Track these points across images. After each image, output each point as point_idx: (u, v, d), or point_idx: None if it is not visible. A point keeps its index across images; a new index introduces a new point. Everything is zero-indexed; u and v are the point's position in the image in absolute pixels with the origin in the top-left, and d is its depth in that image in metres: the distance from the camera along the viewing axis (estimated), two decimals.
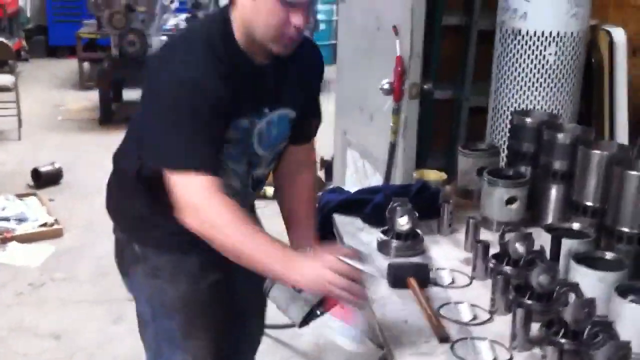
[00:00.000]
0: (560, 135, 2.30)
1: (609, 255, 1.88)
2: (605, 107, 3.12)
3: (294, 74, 2.03)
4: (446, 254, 2.23)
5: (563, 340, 1.57)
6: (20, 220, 4.87)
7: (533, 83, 2.88)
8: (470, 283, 2.05)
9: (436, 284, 2.02)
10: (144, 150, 1.96)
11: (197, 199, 1.81)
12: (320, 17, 9.17)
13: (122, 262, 2.20)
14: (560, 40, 2.82)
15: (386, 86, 2.98)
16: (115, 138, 2.26)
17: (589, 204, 2.14)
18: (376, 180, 3.31)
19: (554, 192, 2.34)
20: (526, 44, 2.84)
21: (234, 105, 1.91)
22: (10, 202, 5.09)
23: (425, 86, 3.02)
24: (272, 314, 3.49)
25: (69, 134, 7.00)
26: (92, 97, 7.79)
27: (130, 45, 6.99)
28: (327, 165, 5.09)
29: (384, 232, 2.24)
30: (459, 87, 3.44)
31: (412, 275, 1.98)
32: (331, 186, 3.71)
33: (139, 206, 2.10)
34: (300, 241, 2.15)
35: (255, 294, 2.17)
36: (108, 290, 3.93)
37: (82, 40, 8.40)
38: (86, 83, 8.50)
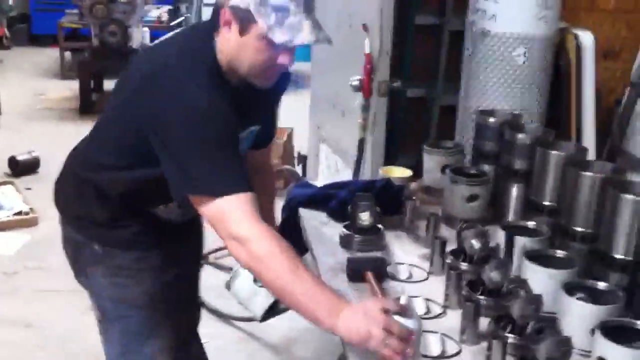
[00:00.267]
0: (520, 136, 2.35)
1: (560, 253, 1.93)
2: (572, 109, 3.16)
3: (264, 94, 2.03)
4: (406, 249, 2.27)
5: (507, 335, 1.62)
6: None
7: (502, 84, 2.92)
8: (427, 278, 2.10)
9: (394, 278, 2.07)
10: (172, 182, 1.86)
11: (244, 230, 1.75)
12: None
13: (78, 262, 2.20)
14: (529, 42, 2.87)
15: (355, 83, 3.03)
16: None
17: (546, 203, 2.19)
18: (347, 175, 3.35)
19: (514, 191, 2.38)
20: (495, 45, 2.88)
21: None
22: None
23: (394, 84, 3.06)
24: (241, 308, 3.54)
25: (48, 123, 6.98)
26: (73, 86, 7.76)
27: (111, 36, 6.98)
28: (304, 160, 5.12)
29: (346, 227, 2.27)
30: (431, 86, 3.49)
31: (370, 270, 2.02)
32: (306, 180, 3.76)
33: (100, 212, 2.10)
34: None
35: (198, 276, 2.38)
36: None
37: (64, 29, 8.39)
38: (67, 72, 8.47)
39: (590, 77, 3.15)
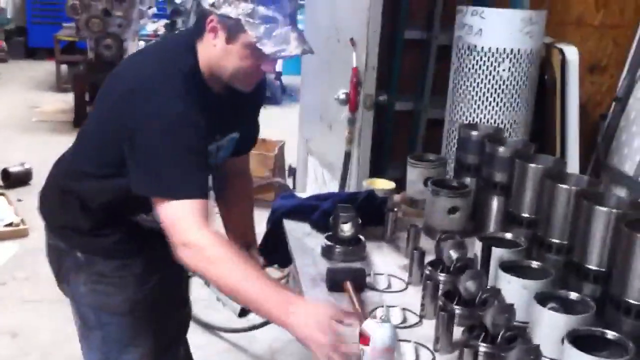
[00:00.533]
0: (501, 149, 2.37)
1: (535, 264, 1.94)
2: (557, 123, 3.19)
3: (244, 100, 2.09)
4: (387, 260, 2.28)
5: (479, 343, 1.64)
6: None
7: (487, 98, 2.95)
8: (406, 288, 2.11)
9: (373, 288, 2.08)
10: (134, 180, 1.92)
11: (196, 236, 1.81)
12: None
13: (60, 269, 2.22)
14: (514, 57, 2.90)
15: (342, 96, 3.05)
16: None
17: (525, 215, 2.21)
18: (334, 187, 3.36)
19: (494, 203, 2.40)
20: (481, 59, 2.91)
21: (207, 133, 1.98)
22: None
23: (380, 97, 3.08)
24: (226, 319, 3.56)
25: (42, 135, 7.02)
26: (68, 99, 7.82)
27: (107, 49, 7.05)
28: (294, 173, 5.14)
29: (328, 238, 2.29)
30: (418, 100, 3.52)
31: (349, 280, 2.03)
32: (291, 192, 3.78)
33: (83, 222, 2.13)
34: (237, 237, 2.28)
35: (181, 283, 2.41)
36: None
37: (60, 42, 8.45)
38: (63, 85, 8.53)
39: (575, 91, 3.18)
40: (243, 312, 2.15)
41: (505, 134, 2.84)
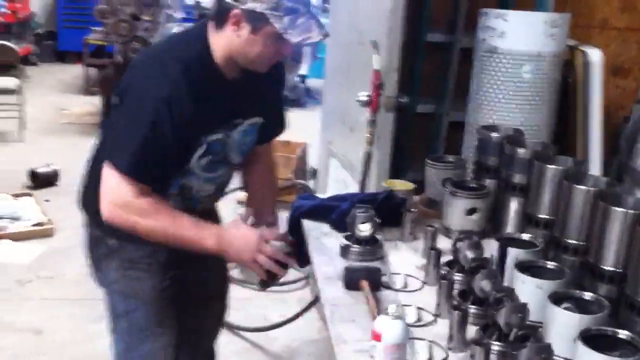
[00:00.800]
0: (520, 150, 2.37)
1: (551, 264, 1.94)
2: (578, 125, 3.17)
3: (261, 84, 2.18)
4: (404, 260, 2.29)
5: (491, 342, 1.64)
6: (14, 219, 4.98)
7: (509, 100, 2.94)
8: (422, 288, 2.12)
9: (389, 287, 2.09)
10: (107, 142, 2.13)
11: (127, 198, 2.02)
12: None
13: (95, 257, 2.32)
14: (537, 59, 2.89)
15: (364, 98, 3.06)
16: None
17: (542, 216, 2.20)
18: (354, 189, 3.37)
19: (513, 205, 2.39)
20: (502, 62, 2.91)
21: (207, 122, 2.08)
22: (5, 201, 5.18)
23: (401, 99, 3.09)
24: (245, 318, 3.59)
25: (70, 137, 7.12)
26: (95, 102, 7.91)
27: (134, 53, 7.09)
28: (316, 174, 5.15)
29: (346, 238, 2.30)
30: (440, 102, 3.52)
31: (365, 279, 2.04)
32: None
33: None
34: (259, 213, 2.32)
35: (217, 279, 2.51)
36: (91, 290, 3.92)
37: (89, 46, 8.54)
38: (90, 88, 8.62)
39: (598, 93, 3.16)
40: (263, 283, 2.23)
41: (526, 136, 2.83)
